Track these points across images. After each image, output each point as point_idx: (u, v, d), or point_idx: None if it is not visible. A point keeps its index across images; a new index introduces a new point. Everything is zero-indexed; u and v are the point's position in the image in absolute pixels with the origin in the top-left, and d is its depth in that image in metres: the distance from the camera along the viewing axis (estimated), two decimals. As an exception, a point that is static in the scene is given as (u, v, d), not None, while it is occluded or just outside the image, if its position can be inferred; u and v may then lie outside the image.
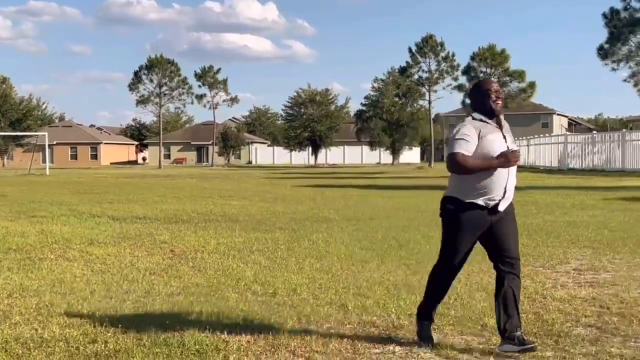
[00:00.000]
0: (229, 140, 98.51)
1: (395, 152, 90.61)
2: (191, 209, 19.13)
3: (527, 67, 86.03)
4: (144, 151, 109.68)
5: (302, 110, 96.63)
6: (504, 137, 5.28)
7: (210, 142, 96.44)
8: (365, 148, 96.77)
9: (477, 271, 9.03)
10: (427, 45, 74.25)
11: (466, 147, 5.13)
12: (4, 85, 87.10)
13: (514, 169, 5.32)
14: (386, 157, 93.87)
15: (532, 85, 68.22)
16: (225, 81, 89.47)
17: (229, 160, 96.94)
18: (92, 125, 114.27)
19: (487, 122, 5.30)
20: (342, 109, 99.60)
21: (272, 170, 63.10)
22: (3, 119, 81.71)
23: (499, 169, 5.15)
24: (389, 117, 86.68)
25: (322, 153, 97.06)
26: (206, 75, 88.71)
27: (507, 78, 67.09)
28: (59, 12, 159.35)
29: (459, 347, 5.67)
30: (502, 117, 5.43)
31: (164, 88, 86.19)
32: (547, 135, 66.81)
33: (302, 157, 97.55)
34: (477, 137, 5.17)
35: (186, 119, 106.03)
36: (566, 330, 6.13)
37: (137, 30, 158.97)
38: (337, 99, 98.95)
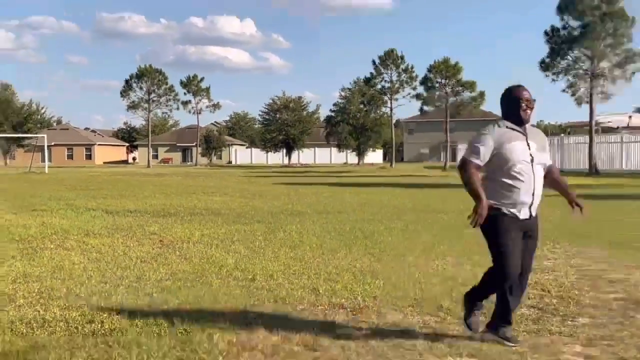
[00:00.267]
0: (211, 142, 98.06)
1: (360, 154, 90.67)
2: (177, 204, 18.97)
3: (477, 78, 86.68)
4: (134, 152, 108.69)
5: (277, 115, 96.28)
6: (528, 145, 4.93)
7: (194, 144, 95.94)
8: (334, 150, 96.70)
9: (439, 257, 9.10)
10: (389, 59, 74.36)
11: (477, 154, 4.91)
12: (6, 92, 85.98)
13: (540, 177, 5.00)
14: (352, 158, 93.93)
15: (481, 94, 68.49)
16: (208, 89, 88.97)
17: (211, 161, 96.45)
18: (86, 128, 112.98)
19: (514, 129, 4.97)
20: (313, 115, 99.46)
21: (250, 170, 62.85)
22: (6, 122, 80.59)
23: (525, 177, 4.85)
24: (354, 122, 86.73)
25: (295, 154, 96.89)
26: (191, 84, 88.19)
27: (460, 88, 67.37)
28: (57, 26, 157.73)
29: (418, 326, 5.71)
30: (528, 125, 5.07)
31: (153, 95, 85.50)
32: None
33: (277, 157, 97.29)
34: (493, 146, 4.88)
35: (172, 122, 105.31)
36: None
37: (129, 43, 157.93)
38: (308, 106, 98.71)
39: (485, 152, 4.88)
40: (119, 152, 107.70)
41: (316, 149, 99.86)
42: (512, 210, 4.92)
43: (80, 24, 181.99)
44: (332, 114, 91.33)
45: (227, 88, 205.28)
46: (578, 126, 51.94)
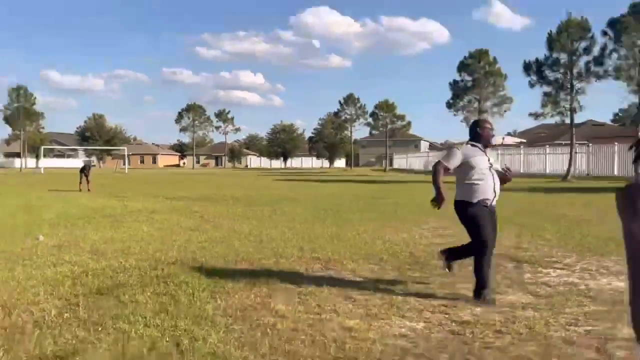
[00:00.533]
0: (234, 153, 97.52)
1: (331, 161, 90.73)
2: (211, 193, 18.86)
3: (406, 111, 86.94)
4: (184, 159, 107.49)
5: (278, 135, 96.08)
6: (488, 159, 4.60)
7: (223, 154, 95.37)
8: (314, 158, 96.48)
9: (381, 227, 9.08)
10: (350, 100, 73.84)
11: (447, 161, 4.57)
12: (100, 119, 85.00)
13: (497, 179, 4.60)
14: (326, 163, 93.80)
15: (409, 123, 68.72)
16: (232, 118, 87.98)
17: (234, 165, 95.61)
18: (153, 143, 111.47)
19: (477, 147, 4.63)
20: (301, 135, 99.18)
21: (259, 171, 62.46)
22: (100, 139, 79.61)
23: (488, 180, 4.51)
24: (327, 141, 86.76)
25: (289, 161, 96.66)
26: (221, 115, 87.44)
27: (395, 119, 67.42)
28: (133, 76, 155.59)
29: (367, 272, 5.74)
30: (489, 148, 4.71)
31: (196, 122, 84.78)
32: (418, 152, 67.51)
33: (277, 163, 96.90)
34: (461, 157, 4.54)
35: (209, 140, 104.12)
36: (427, 261, 6.21)
37: (181, 88, 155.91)
38: (298, 129, 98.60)
39: (454, 161, 4.56)
40: (174, 159, 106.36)
41: (303, 157, 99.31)
42: (480, 203, 4.53)
43: (149, 75, 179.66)
44: (313, 135, 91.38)
45: (245, 118, 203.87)
46: None
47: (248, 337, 3.56)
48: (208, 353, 3.27)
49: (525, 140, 52.46)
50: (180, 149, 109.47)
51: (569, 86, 30.00)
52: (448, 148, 4.66)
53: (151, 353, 3.29)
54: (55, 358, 3.21)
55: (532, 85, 31.08)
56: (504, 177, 4.73)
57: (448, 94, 43.97)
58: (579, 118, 33.92)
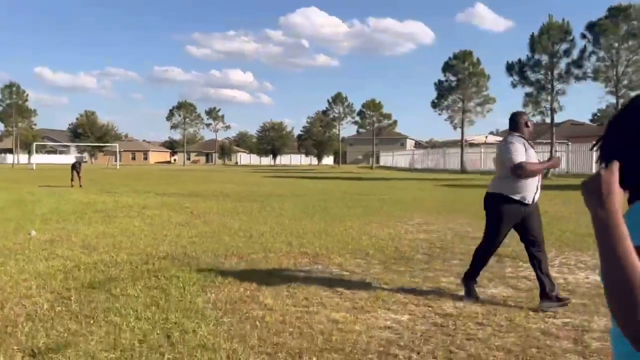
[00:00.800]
0: (225, 150, 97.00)
1: (319, 158, 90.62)
2: (202, 189, 18.76)
3: (392, 110, 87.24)
4: (175, 155, 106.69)
5: (267, 133, 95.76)
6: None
7: (214, 151, 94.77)
8: (303, 156, 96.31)
9: (367, 223, 9.11)
10: (338, 99, 73.73)
11: (521, 156, 4.14)
12: (92, 116, 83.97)
13: (540, 175, 4.33)
14: (314, 160, 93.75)
15: (395, 122, 68.91)
16: (222, 116, 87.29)
17: (224, 162, 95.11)
18: (144, 140, 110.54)
19: (524, 140, 4.30)
20: (289, 133, 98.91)
21: (249, 168, 62.21)
22: (92, 136, 78.65)
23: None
24: (316, 139, 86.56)
25: (278, 158, 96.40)
26: (212, 112, 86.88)
27: (381, 118, 67.54)
28: (124, 74, 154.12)
29: (353, 266, 5.76)
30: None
31: (186, 119, 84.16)
32: (404, 150, 67.80)
33: (267, 160, 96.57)
34: (523, 149, 4.22)
35: (199, 137, 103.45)
36: (411, 256, 6.26)
37: (171, 85, 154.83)
38: (287, 128, 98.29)
39: (523, 154, 4.18)
40: (165, 156, 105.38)
41: (291, 155, 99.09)
42: (519, 199, 4.21)
43: (141, 73, 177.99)
44: (302, 133, 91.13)
45: (235, 115, 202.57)
46: (453, 142, 52.64)
47: (237, 330, 3.56)
48: (198, 345, 3.27)
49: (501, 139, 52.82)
50: (171, 146, 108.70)
51: (549, 87, 30.48)
52: (505, 143, 4.31)
53: (142, 345, 3.28)
54: (47, 350, 3.19)
55: (514, 85, 31.51)
56: (552, 165, 4.49)
57: (433, 94, 44.35)
58: (559, 118, 34.22)
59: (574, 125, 50.66)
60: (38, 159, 59.32)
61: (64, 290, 4.55)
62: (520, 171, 4.11)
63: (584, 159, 30.16)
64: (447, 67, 43.03)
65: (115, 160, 61.23)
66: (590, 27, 29.17)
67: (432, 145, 79.18)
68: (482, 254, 4.43)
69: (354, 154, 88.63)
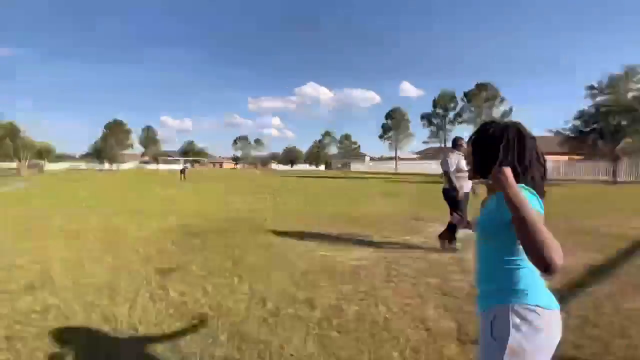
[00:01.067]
0: (263, 162, 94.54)
1: (317, 166, 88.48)
2: (254, 185, 17.97)
3: (358, 139, 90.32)
4: (237, 165, 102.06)
5: (289, 153, 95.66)
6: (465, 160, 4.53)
7: (258, 162, 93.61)
8: (308, 164, 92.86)
9: (350, 205, 9.07)
10: (327, 134, 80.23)
11: (452, 167, 4.90)
12: (191, 145, 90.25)
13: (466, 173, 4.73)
14: (313, 167, 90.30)
15: (359, 146, 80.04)
16: (264, 144, 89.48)
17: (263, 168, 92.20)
18: (220, 156, 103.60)
19: (459, 154, 4.96)
20: (300, 152, 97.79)
21: (280, 172, 57.19)
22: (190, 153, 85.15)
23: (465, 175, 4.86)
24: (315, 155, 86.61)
25: (295, 166, 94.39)
26: (258, 142, 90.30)
27: (352, 144, 78.50)
28: (209, 121, 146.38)
29: (336, 230, 6.14)
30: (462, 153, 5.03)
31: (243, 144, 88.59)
32: (363, 162, 66.16)
33: (287, 167, 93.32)
34: (455, 161, 4.93)
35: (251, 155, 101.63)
36: (376, 224, 6.49)
37: (236, 127, 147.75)
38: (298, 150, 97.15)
39: (451, 164, 4.94)
40: (232, 164, 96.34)
41: (299, 164, 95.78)
42: (458, 188, 4.89)
43: (219, 120, 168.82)
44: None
45: (270, 142, 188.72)
46: (391, 157, 56.11)
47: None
48: (250, 266, 4.30)
49: (418, 156, 58.08)
50: (236, 159, 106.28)
51: (444, 127, 47.25)
52: (445, 157, 5.03)
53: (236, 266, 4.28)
54: (169, 270, 4.19)
55: (424, 126, 49.02)
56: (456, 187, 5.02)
57: (379, 130, 57.25)
58: (449, 145, 35.39)
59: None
60: (161, 166, 69.85)
61: (179, 236, 5.71)
62: (447, 174, 4.96)
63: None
64: (387, 116, 57.33)
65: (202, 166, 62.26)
66: (466, 94, 44.65)
67: (381, 158, 78.82)
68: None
69: (336, 163, 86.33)
